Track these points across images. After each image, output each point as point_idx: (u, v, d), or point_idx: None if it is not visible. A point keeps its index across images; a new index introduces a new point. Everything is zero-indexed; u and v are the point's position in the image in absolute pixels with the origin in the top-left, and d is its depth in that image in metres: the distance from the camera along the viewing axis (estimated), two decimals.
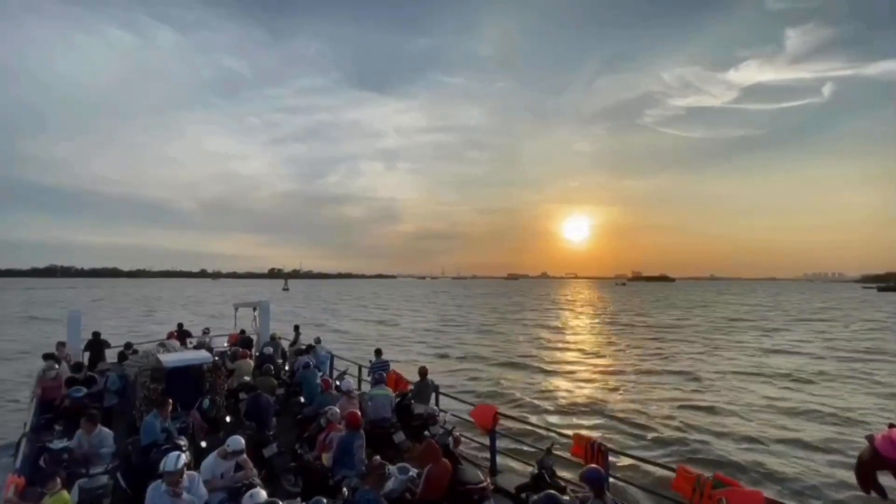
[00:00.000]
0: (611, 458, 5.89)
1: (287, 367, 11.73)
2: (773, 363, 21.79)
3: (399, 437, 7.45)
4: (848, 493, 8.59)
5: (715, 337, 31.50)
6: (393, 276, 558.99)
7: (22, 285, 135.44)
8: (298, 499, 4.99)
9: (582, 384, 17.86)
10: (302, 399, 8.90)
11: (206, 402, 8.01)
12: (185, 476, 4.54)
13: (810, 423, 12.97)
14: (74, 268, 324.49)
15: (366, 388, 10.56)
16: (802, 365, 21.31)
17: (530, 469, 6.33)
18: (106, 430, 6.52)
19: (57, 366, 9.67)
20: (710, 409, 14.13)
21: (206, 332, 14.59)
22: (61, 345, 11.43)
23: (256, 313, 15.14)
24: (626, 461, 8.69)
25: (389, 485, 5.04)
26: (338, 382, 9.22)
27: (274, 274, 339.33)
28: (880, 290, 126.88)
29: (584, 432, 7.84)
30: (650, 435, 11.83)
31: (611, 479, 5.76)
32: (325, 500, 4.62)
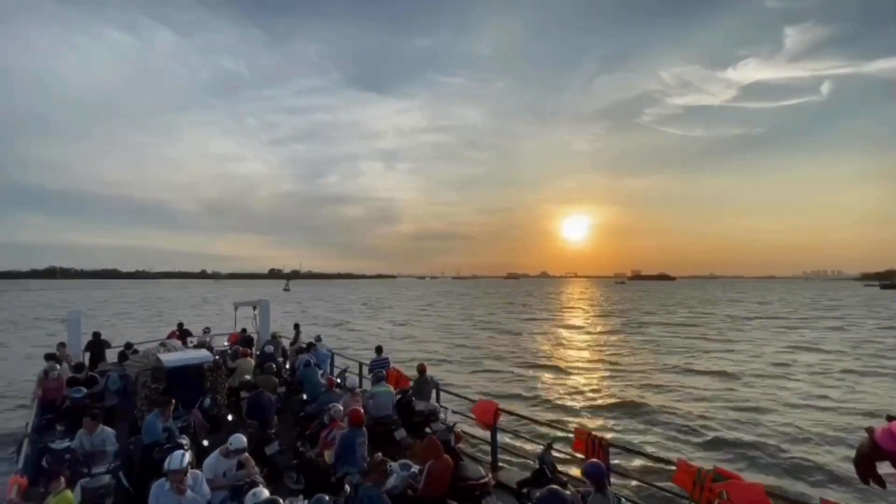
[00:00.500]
0: (611, 453, 5.90)
1: (288, 366, 11.75)
2: (802, 359, 21.71)
3: (400, 433, 7.49)
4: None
5: (735, 334, 31.20)
6: (393, 277, 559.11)
7: (23, 287, 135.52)
8: (301, 496, 5.00)
9: (627, 383, 17.60)
10: (304, 397, 8.93)
11: (208, 401, 8.03)
12: (188, 474, 4.57)
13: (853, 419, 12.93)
14: (74, 269, 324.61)
15: (366, 385, 10.59)
16: (830, 361, 21.15)
17: (531, 464, 6.36)
18: (108, 429, 6.54)
19: (58, 366, 9.68)
20: (754, 408, 13.96)
21: (206, 331, 14.63)
22: (62, 345, 11.48)
23: (256, 312, 15.15)
24: (626, 456, 8.72)
25: (391, 481, 5.06)
26: (339, 380, 9.27)
27: (274, 274, 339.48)
28: (883, 287, 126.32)
29: (591, 428, 7.85)
30: (698, 438, 11.59)
31: (612, 474, 5.80)
32: (327, 498, 4.64)
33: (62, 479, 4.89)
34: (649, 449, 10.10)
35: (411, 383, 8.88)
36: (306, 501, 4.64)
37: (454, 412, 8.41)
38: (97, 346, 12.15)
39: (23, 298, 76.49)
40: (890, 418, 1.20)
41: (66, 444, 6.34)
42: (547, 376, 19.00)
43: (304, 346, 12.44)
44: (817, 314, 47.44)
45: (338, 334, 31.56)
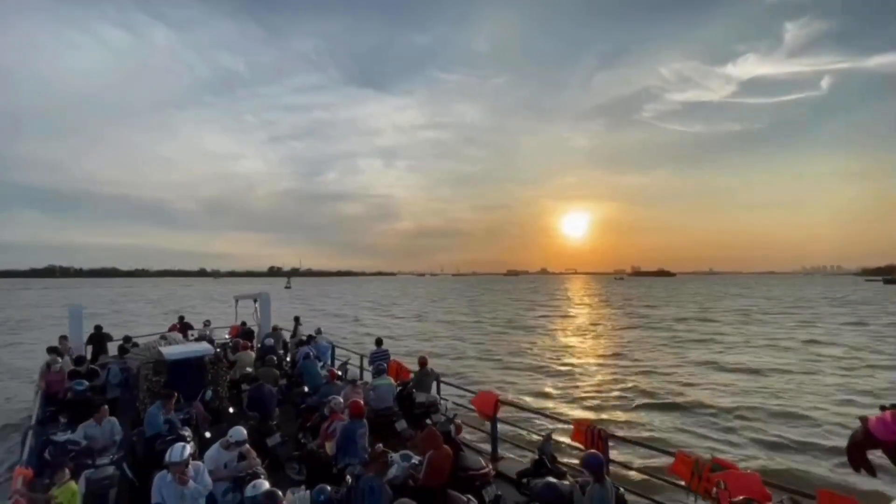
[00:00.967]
0: (611, 444, 5.96)
1: (289, 358, 11.83)
2: (827, 353, 21.54)
3: (401, 425, 7.58)
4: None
5: (754, 329, 30.78)
6: (393, 274, 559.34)
7: (25, 286, 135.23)
8: (303, 486, 5.05)
9: (658, 377, 17.39)
10: (305, 389, 9.01)
11: (209, 394, 8.11)
12: (190, 466, 4.61)
13: None
14: (73, 268, 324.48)
15: (367, 377, 10.67)
16: (858, 356, 20.80)
17: (531, 455, 6.41)
18: (113, 418, 6.68)
19: (60, 359, 9.77)
20: (784, 403, 13.79)
21: (206, 324, 14.71)
22: (63, 338, 11.57)
23: (257, 305, 15.21)
24: (625, 446, 8.78)
25: (392, 471, 5.13)
26: (339, 373, 9.34)
27: (274, 272, 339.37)
28: (886, 282, 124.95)
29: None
30: (735, 436, 11.39)
31: (611, 464, 5.85)
32: (328, 488, 4.69)
33: (66, 471, 4.95)
34: (655, 442, 10.16)
35: (412, 375, 8.97)
36: (308, 492, 4.69)
37: (455, 403, 8.48)
38: (99, 339, 12.25)
39: (27, 297, 75.74)
40: (883, 408, 1.22)
41: (67, 436, 6.40)
42: (579, 374, 18.43)
43: (305, 338, 12.52)
44: (830, 310, 46.57)
45: (354, 329, 31.40)
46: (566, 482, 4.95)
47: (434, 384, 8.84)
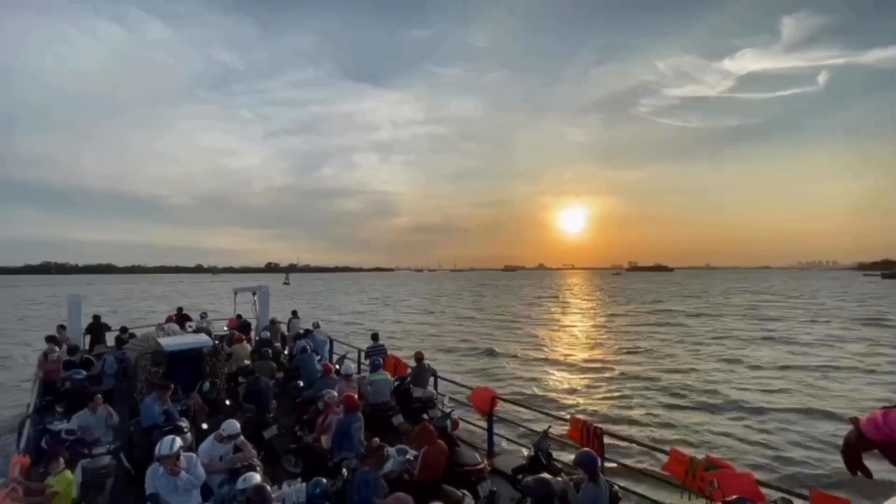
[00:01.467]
0: (606, 442, 5.97)
1: (286, 352, 11.82)
2: (854, 350, 21.24)
3: (398, 419, 7.62)
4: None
5: (774, 325, 30.30)
6: (391, 270, 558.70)
7: (18, 283, 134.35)
8: (299, 479, 5.07)
9: (692, 375, 17.10)
10: (301, 383, 9.03)
11: (207, 386, 8.11)
12: (182, 457, 4.63)
13: None
14: (69, 264, 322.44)
15: (364, 372, 10.69)
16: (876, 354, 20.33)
17: (527, 451, 6.43)
18: (109, 407, 6.74)
19: (57, 348, 9.82)
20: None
21: (203, 316, 14.69)
22: (62, 328, 11.59)
23: (256, 298, 15.18)
24: (621, 444, 8.83)
25: (388, 466, 5.16)
26: (337, 367, 9.35)
27: (271, 268, 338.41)
28: (884, 277, 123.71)
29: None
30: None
31: (605, 462, 5.86)
32: (324, 481, 4.71)
33: (61, 460, 4.97)
34: (656, 441, 10.22)
35: (409, 370, 9.02)
36: (304, 484, 4.71)
37: (452, 399, 8.51)
38: (97, 329, 12.25)
39: (30, 294, 74.67)
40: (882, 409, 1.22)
41: (64, 425, 6.42)
42: (606, 371, 18.00)
43: (302, 332, 12.54)
44: (838, 304, 46.07)
45: (375, 326, 30.78)
46: (560, 479, 4.96)
47: (431, 379, 8.90)
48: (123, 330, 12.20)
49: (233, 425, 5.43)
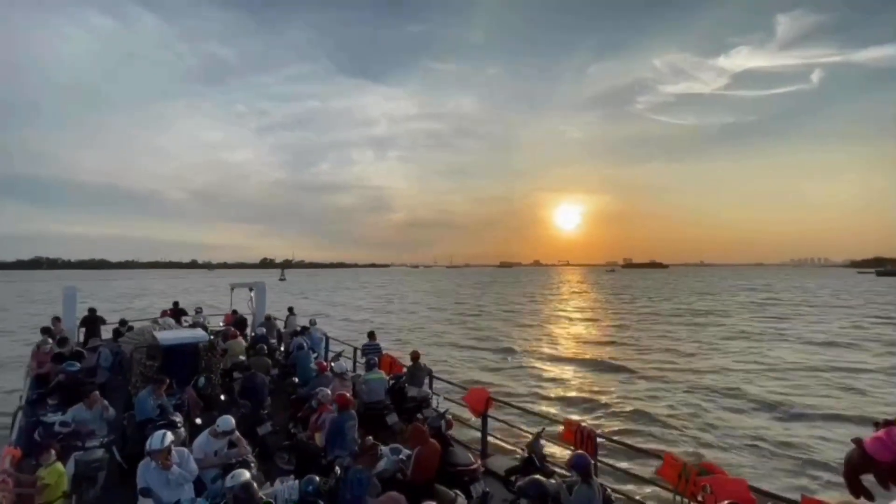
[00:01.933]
0: (600, 444, 5.96)
1: (282, 348, 11.77)
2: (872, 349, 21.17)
3: (392, 418, 7.62)
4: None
5: (788, 325, 30.20)
6: (386, 266, 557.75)
7: (11, 278, 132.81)
8: (292, 476, 5.05)
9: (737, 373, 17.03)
10: (296, 379, 9.00)
11: (202, 381, 8.08)
12: (174, 452, 4.63)
13: None
14: (61, 259, 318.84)
15: (360, 370, 10.66)
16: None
17: (521, 453, 6.42)
18: (105, 401, 6.68)
19: (51, 340, 9.85)
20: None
21: (198, 311, 14.61)
22: (56, 320, 11.57)
23: (253, 294, 15.09)
24: (614, 447, 8.84)
25: (382, 464, 5.15)
26: (331, 364, 9.33)
27: (266, 264, 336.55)
28: (879, 274, 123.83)
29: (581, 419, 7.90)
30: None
31: (599, 465, 5.87)
32: (317, 479, 4.70)
33: (52, 452, 4.96)
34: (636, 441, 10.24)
35: (405, 370, 9.01)
36: (297, 481, 4.70)
37: (446, 399, 8.50)
38: (92, 321, 12.21)
39: (31, 291, 71.89)
40: (877, 425, 1.15)
41: (57, 417, 6.41)
42: (641, 377, 17.46)
43: (299, 329, 12.48)
44: (839, 302, 46.07)
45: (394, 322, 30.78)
46: (553, 481, 4.95)
47: (426, 379, 8.88)
48: (122, 323, 12.13)
49: (228, 421, 5.42)
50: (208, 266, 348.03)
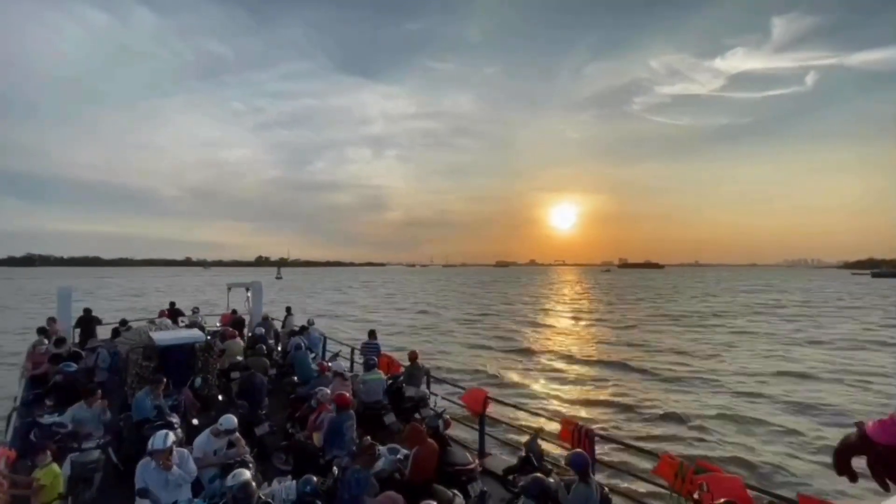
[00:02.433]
0: (596, 443, 6.01)
1: (280, 348, 11.76)
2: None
3: (390, 418, 7.63)
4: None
5: (802, 325, 29.94)
6: (382, 265, 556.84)
7: (3, 275, 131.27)
8: (289, 476, 5.06)
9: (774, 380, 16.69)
10: (296, 378, 9.01)
11: (199, 381, 8.07)
12: (174, 452, 4.62)
13: None
14: (53, 256, 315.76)
15: (358, 370, 10.68)
16: None
17: (518, 452, 6.46)
18: (104, 401, 6.68)
19: (46, 341, 9.82)
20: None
21: (195, 311, 14.58)
22: (52, 320, 11.48)
23: (249, 294, 15.07)
24: (612, 446, 8.91)
25: (379, 464, 5.16)
26: (329, 364, 9.35)
27: (261, 262, 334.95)
28: (874, 276, 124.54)
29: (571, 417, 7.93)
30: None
31: (596, 464, 5.91)
32: (315, 479, 4.70)
33: (48, 453, 4.93)
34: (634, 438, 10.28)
35: (402, 369, 9.01)
36: (294, 482, 4.70)
37: (444, 399, 8.53)
38: (88, 322, 12.11)
39: (24, 290, 67.72)
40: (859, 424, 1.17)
41: (54, 418, 6.37)
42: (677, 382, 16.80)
43: (297, 328, 12.47)
44: (845, 303, 45.86)
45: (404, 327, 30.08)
46: (552, 480, 4.99)
47: (424, 379, 8.88)
48: (122, 323, 12.04)
49: (230, 420, 5.43)
50: (203, 264, 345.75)
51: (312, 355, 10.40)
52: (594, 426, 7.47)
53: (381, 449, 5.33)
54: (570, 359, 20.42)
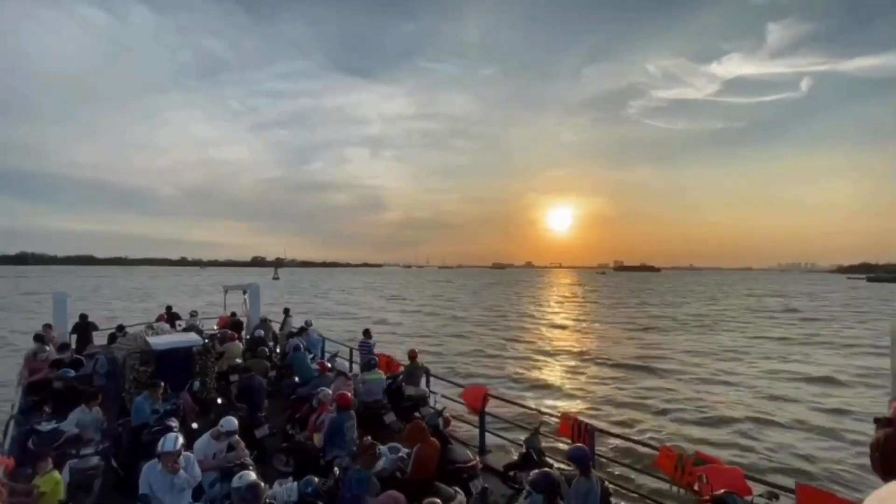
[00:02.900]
0: (596, 437, 6.05)
1: (279, 350, 11.75)
2: None
3: (390, 417, 7.64)
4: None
5: (815, 328, 29.64)
6: (379, 265, 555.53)
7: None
8: (290, 478, 5.05)
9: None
10: (297, 379, 8.99)
11: (197, 385, 8.04)
12: (181, 456, 4.60)
13: None
14: (47, 255, 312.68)
15: (355, 369, 10.65)
16: None
17: (518, 448, 6.50)
18: (98, 408, 6.61)
19: (47, 347, 9.69)
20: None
21: (193, 314, 14.53)
22: (48, 327, 11.31)
23: (246, 296, 15.04)
24: (611, 440, 8.95)
25: (380, 464, 5.14)
26: (329, 364, 9.35)
27: (257, 262, 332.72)
28: (870, 280, 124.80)
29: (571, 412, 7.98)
30: None
31: (596, 458, 5.96)
32: (316, 480, 4.70)
33: (49, 460, 4.88)
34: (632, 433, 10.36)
35: (402, 369, 9.02)
36: (296, 483, 4.69)
37: (444, 397, 8.55)
38: (84, 328, 11.98)
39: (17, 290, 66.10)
40: (877, 420, 1.14)
41: (52, 426, 6.30)
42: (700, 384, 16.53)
43: (295, 330, 12.44)
44: (851, 309, 45.63)
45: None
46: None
47: (424, 378, 8.91)
48: (119, 328, 11.92)
49: (231, 422, 5.41)
50: (199, 264, 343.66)
51: (311, 356, 10.38)
52: (594, 421, 7.51)
53: (382, 448, 5.33)
54: (609, 362, 19.86)
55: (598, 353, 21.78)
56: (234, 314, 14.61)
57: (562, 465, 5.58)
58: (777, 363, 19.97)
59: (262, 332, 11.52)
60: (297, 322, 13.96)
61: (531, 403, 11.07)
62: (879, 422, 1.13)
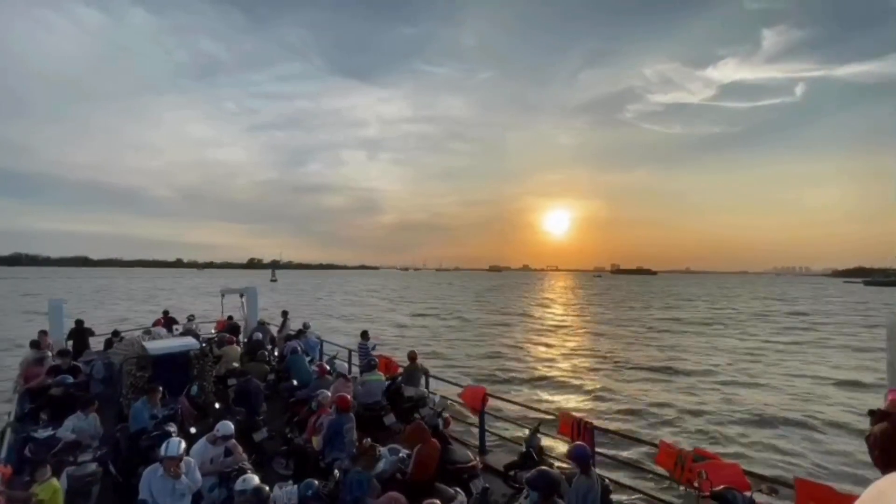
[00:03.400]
0: (596, 436, 6.08)
1: (276, 353, 11.72)
2: None
3: (389, 419, 7.61)
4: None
5: (826, 332, 29.65)
6: (376, 268, 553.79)
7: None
8: (290, 481, 5.05)
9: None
10: (295, 382, 8.94)
11: (195, 389, 7.97)
12: (183, 461, 4.60)
13: None
14: (41, 256, 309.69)
15: (354, 372, 10.66)
16: None
17: (518, 448, 6.52)
18: (95, 414, 6.57)
19: (49, 353, 9.58)
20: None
21: (190, 318, 14.42)
22: (44, 333, 11.15)
23: (244, 300, 14.98)
24: (611, 438, 8.96)
25: (380, 465, 5.14)
26: (328, 367, 9.33)
27: (254, 264, 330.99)
28: (866, 284, 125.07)
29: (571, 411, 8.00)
30: None
31: (597, 456, 6.00)
32: (316, 482, 4.69)
33: (48, 468, 4.84)
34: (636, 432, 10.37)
35: (401, 370, 9.01)
36: (296, 486, 4.68)
37: (443, 397, 8.56)
38: (80, 334, 11.89)
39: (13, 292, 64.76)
40: (872, 413, 1.14)
41: (49, 432, 6.27)
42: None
43: (293, 333, 12.40)
44: (858, 313, 45.45)
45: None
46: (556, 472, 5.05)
47: (423, 378, 8.90)
48: (115, 333, 11.78)
49: (227, 426, 5.40)
50: (195, 265, 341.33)
51: (309, 359, 10.35)
52: (592, 419, 7.54)
53: (382, 450, 5.32)
54: (637, 366, 19.63)
55: (624, 357, 21.53)
56: (231, 317, 14.55)
57: (562, 464, 5.61)
58: (802, 365, 20.02)
59: (259, 336, 11.47)
60: (295, 325, 13.95)
61: (530, 402, 11.09)
62: (874, 414, 1.14)
